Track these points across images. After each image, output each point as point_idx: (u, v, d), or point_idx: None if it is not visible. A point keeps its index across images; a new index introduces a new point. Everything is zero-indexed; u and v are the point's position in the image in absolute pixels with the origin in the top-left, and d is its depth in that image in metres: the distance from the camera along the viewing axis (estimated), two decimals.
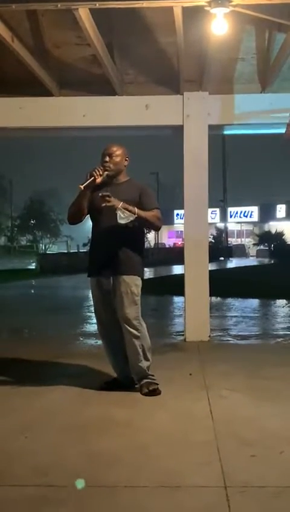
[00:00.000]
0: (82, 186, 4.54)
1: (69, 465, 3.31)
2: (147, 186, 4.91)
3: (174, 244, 49.98)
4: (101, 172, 4.57)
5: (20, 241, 62.09)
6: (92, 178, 4.53)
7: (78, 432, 3.89)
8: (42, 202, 58.64)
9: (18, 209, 61.30)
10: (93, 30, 5.78)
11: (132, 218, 4.51)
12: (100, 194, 4.49)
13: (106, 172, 4.62)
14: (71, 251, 40.66)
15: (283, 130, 7.56)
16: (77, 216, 4.78)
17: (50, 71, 6.97)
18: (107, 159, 4.68)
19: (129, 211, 4.49)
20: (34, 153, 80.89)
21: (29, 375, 5.40)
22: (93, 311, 5.05)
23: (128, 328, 4.61)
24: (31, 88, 7.05)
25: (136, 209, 4.51)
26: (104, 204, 4.48)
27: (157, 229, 4.85)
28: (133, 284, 4.63)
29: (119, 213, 4.49)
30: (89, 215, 4.81)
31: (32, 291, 17.86)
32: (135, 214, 4.50)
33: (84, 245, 39.19)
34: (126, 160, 4.78)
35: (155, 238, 49.45)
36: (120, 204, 4.47)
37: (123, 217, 4.50)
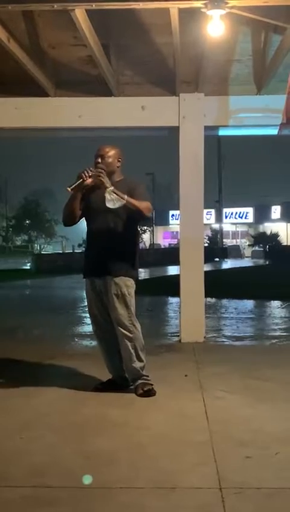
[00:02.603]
0: (69, 189, 4.53)
1: (65, 465, 3.31)
2: (138, 182, 4.89)
3: (170, 244, 49.95)
4: (90, 174, 4.55)
5: (15, 241, 62.00)
6: (81, 180, 4.52)
7: (74, 433, 3.89)
8: (37, 202, 58.55)
9: (13, 209, 61.24)
10: (89, 31, 5.78)
11: (120, 203, 4.48)
12: (93, 171, 4.49)
13: (98, 172, 4.61)
14: (66, 251, 40.63)
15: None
16: (70, 218, 4.79)
17: (46, 71, 6.96)
18: (99, 160, 4.68)
19: (118, 195, 4.47)
20: (29, 152, 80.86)
21: (24, 376, 5.39)
22: (88, 311, 5.06)
23: (121, 329, 4.62)
24: (27, 88, 7.04)
25: (126, 196, 4.49)
26: (91, 181, 4.52)
27: (145, 217, 4.82)
28: (124, 285, 4.62)
29: (106, 195, 4.47)
30: (84, 216, 4.81)
31: (27, 291, 17.83)
32: (124, 200, 4.47)
33: (80, 245, 39.16)
34: (119, 161, 4.78)
35: (150, 239, 49.46)
36: (110, 187, 4.47)
37: (110, 199, 4.47)
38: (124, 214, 4.62)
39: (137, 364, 4.69)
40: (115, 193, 4.48)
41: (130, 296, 4.66)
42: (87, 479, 2.98)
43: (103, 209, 4.58)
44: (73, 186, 4.52)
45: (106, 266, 4.64)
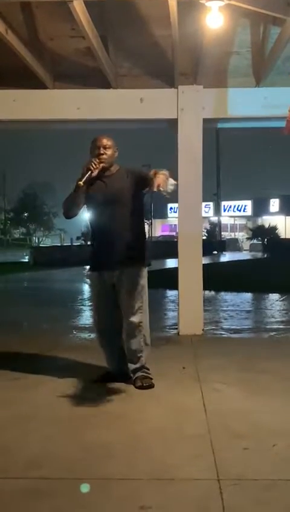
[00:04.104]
0: (81, 182, 4.48)
1: (62, 457, 3.32)
2: (133, 167, 4.84)
3: (166, 236, 49.83)
4: (97, 165, 4.55)
5: (14, 234, 62.02)
6: (90, 172, 4.51)
7: (72, 425, 3.90)
8: (35, 195, 58.50)
9: (11, 202, 61.22)
10: (87, 22, 5.75)
11: (174, 182, 4.39)
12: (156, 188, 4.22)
13: (102, 165, 4.60)
14: (64, 244, 40.65)
15: (277, 124, 7.57)
16: (73, 210, 4.72)
17: (44, 63, 6.94)
18: (102, 150, 4.65)
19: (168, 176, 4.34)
20: (27, 145, 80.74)
21: (22, 368, 5.39)
22: (89, 304, 5.06)
23: (132, 318, 4.61)
24: (25, 80, 7.01)
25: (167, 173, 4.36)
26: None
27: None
28: (141, 275, 4.65)
29: (169, 186, 4.30)
30: (86, 207, 4.78)
31: (25, 284, 17.82)
32: (174, 180, 4.39)
33: (78, 238, 39.17)
34: (116, 151, 4.77)
35: (149, 232, 49.44)
36: (168, 176, 4.30)
37: (172, 187, 4.33)
38: (130, 204, 4.61)
39: (142, 354, 4.71)
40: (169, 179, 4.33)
41: (145, 286, 4.68)
42: (85, 488, 2.96)
43: (109, 200, 4.57)
44: (84, 179, 4.48)
45: (121, 257, 4.59)
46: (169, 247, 29.86)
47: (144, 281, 4.69)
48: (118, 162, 4.79)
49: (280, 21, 5.91)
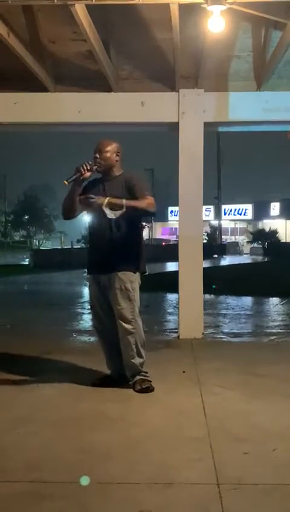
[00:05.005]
0: (66, 182, 4.54)
1: (62, 461, 3.31)
2: (137, 177, 4.81)
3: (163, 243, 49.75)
4: (89, 168, 4.56)
5: (14, 236, 62.01)
6: (78, 173, 4.53)
7: (71, 428, 3.90)
8: (36, 197, 58.52)
9: (12, 205, 61.24)
10: (89, 26, 5.76)
11: (121, 212, 4.52)
12: (84, 197, 4.57)
13: (95, 167, 4.62)
14: (65, 247, 40.68)
15: (278, 128, 7.59)
16: (70, 211, 4.77)
17: (45, 66, 6.95)
18: (97, 155, 4.68)
19: (116, 205, 4.51)
20: (28, 148, 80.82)
21: (21, 371, 5.38)
22: (89, 307, 5.07)
23: (123, 323, 4.61)
24: (26, 83, 7.03)
25: (123, 202, 4.50)
26: (92, 201, 4.54)
27: (151, 214, 4.81)
28: (127, 280, 4.62)
29: (106, 210, 4.53)
30: (85, 211, 4.80)
31: (25, 286, 17.81)
32: (123, 208, 4.50)
33: (78, 241, 39.22)
34: (117, 155, 4.77)
35: (149, 235, 49.42)
36: (105, 202, 4.51)
37: (109, 213, 4.55)
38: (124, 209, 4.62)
39: (137, 360, 4.68)
40: (111, 203, 4.52)
41: (133, 291, 4.65)
42: (84, 480, 2.97)
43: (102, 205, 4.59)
44: (70, 179, 4.53)
45: (110, 262, 4.63)
46: (159, 251, 29.82)
47: (134, 286, 4.67)
48: (122, 165, 4.80)
49: (281, 25, 5.93)
